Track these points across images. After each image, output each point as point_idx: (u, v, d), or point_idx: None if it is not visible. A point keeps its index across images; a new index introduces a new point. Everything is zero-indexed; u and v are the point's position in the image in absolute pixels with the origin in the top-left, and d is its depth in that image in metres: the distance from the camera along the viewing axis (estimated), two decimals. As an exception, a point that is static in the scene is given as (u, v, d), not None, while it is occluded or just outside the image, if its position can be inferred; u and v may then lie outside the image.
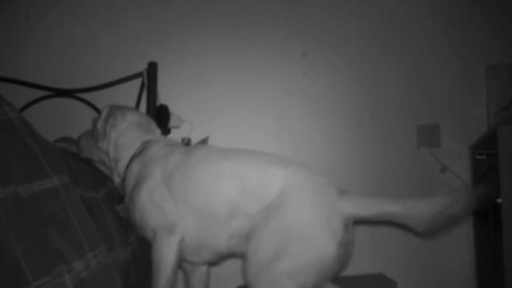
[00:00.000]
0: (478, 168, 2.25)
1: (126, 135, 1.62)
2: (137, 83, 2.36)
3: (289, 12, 2.54)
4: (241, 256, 1.38)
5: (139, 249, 1.54)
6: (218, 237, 1.38)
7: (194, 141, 2.32)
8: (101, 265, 0.98)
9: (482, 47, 2.46)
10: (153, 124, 1.74)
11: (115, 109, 1.69)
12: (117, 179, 1.62)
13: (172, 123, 2.33)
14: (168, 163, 1.47)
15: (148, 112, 2.27)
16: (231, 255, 1.46)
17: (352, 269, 2.32)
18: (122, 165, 1.60)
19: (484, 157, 2.13)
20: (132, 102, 2.35)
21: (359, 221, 2.51)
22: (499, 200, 1.84)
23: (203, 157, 1.45)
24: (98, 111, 2.36)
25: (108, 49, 2.55)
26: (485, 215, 2.04)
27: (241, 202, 1.32)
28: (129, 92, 2.40)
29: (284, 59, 2.52)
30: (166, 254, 1.38)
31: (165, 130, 2.26)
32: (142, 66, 2.34)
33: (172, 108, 2.34)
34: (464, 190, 1.37)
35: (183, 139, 2.30)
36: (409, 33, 2.51)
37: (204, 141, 2.11)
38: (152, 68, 2.31)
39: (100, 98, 2.39)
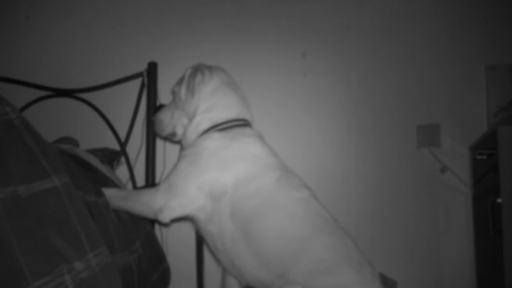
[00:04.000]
0: (478, 168, 2.25)
1: (217, 94, 1.51)
2: (137, 83, 2.36)
3: (289, 12, 2.54)
4: None
5: (146, 256, 1.53)
6: (246, 274, 1.36)
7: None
8: (102, 265, 0.97)
9: (482, 47, 2.46)
10: (243, 93, 1.59)
11: (201, 66, 1.57)
12: (191, 138, 1.50)
13: (172, 123, 2.33)
14: (250, 171, 1.38)
15: (148, 112, 2.27)
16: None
17: (352, 269, 2.32)
18: (198, 130, 1.49)
19: (484, 157, 2.13)
20: (132, 102, 2.35)
21: (359, 221, 2.50)
22: (499, 200, 1.85)
23: (290, 201, 1.35)
24: (98, 111, 2.36)
25: (108, 49, 2.55)
26: (485, 215, 2.04)
27: (293, 271, 1.25)
28: (129, 92, 2.40)
29: (284, 59, 2.52)
30: (140, 212, 1.43)
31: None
32: (142, 66, 2.34)
33: (172, 108, 2.34)
34: None
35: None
36: (409, 33, 2.51)
37: None
38: (152, 68, 2.31)
39: (100, 98, 2.39)
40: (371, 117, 2.48)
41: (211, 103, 1.51)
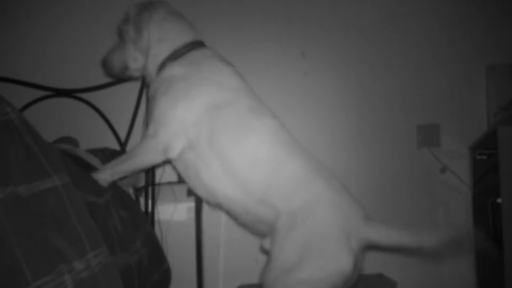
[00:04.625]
0: (478, 168, 2.24)
1: (167, 23, 1.54)
2: (137, 83, 2.35)
3: (289, 12, 2.54)
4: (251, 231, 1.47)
5: (146, 257, 1.53)
6: (240, 209, 1.41)
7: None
8: (102, 265, 0.97)
9: (482, 47, 2.46)
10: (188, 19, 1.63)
11: (143, 3, 1.58)
12: (152, 70, 1.53)
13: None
14: (224, 96, 1.43)
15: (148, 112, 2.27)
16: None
17: (352, 269, 2.32)
18: (157, 60, 1.52)
19: (484, 157, 2.13)
20: (132, 102, 2.35)
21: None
22: (499, 200, 1.84)
23: (265, 128, 1.43)
24: (98, 111, 2.35)
25: (108, 49, 2.55)
26: (485, 215, 2.04)
27: (271, 193, 1.34)
28: (129, 92, 2.40)
29: (284, 59, 2.52)
30: (145, 161, 1.45)
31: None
32: (142, 66, 2.34)
33: (172, 108, 2.34)
34: (473, 233, 1.47)
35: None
36: (409, 33, 2.51)
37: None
38: (152, 68, 2.30)
39: (100, 98, 2.39)
40: (371, 117, 2.47)
41: (163, 32, 1.54)
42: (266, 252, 1.44)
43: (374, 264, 2.30)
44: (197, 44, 1.55)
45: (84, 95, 2.38)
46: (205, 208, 2.33)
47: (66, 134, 2.17)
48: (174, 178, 2.27)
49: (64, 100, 2.42)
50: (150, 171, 2.26)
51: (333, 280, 1.26)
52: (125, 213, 1.48)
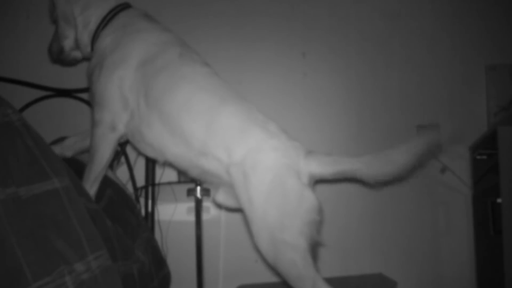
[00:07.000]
0: (478, 168, 2.25)
1: None
2: (137, 83, 2.35)
3: (289, 12, 2.54)
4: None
5: (147, 264, 1.53)
6: (186, 163, 1.40)
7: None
8: (103, 268, 0.97)
9: (482, 47, 2.46)
10: None
11: None
12: (86, 41, 1.54)
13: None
14: (153, 50, 1.43)
15: (148, 112, 2.27)
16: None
17: (352, 269, 2.32)
18: (89, 30, 1.53)
19: (484, 157, 2.13)
20: (132, 102, 2.35)
21: (359, 221, 2.50)
22: (499, 200, 1.85)
23: (196, 75, 1.43)
24: (98, 111, 2.35)
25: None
26: (485, 215, 2.04)
27: (210, 144, 1.34)
28: (129, 92, 2.39)
29: (284, 59, 2.52)
30: (104, 150, 1.43)
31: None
32: (142, 66, 2.34)
33: (172, 108, 2.34)
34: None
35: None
36: (409, 33, 2.51)
37: None
38: (152, 68, 2.30)
39: (100, 98, 2.38)
40: (371, 117, 2.47)
41: (84, 2, 1.55)
42: (218, 206, 1.44)
43: (374, 264, 2.31)
44: (122, 7, 1.56)
45: (84, 95, 2.38)
46: (205, 208, 2.33)
47: (66, 134, 2.17)
48: (174, 178, 2.27)
49: (64, 100, 2.42)
50: (150, 172, 2.26)
51: (312, 217, 1.27)
52: (126, 219, 1.48)
